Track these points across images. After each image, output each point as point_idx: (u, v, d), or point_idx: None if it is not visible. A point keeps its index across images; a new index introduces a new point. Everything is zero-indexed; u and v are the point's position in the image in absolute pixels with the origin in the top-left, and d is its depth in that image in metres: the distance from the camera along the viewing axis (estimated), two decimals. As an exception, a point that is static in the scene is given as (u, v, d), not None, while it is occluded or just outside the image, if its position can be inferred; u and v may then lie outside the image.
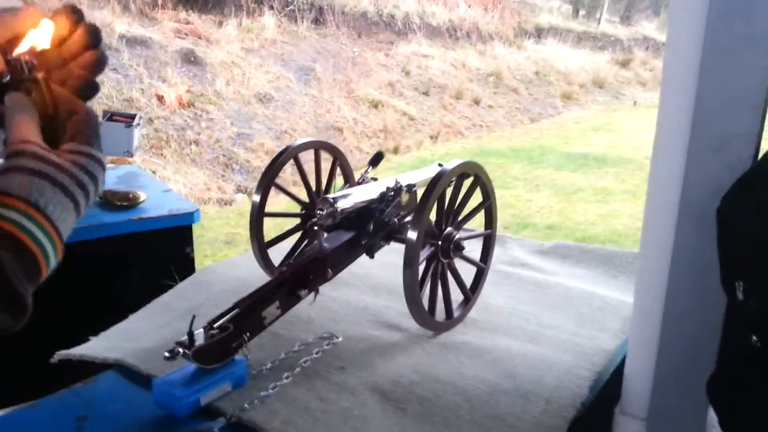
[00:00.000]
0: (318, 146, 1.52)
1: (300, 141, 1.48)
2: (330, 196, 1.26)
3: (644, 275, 1.12)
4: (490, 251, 1.43)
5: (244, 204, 6.67)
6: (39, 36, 0.52)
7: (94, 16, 8.22)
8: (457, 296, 1.38)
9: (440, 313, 1.32)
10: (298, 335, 1.28)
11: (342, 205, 1.26)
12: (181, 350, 1.02)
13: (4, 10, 0.52)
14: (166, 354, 1.01)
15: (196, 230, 2.39)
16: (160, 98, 7.85)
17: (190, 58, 8.81)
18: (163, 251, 2.18)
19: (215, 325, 1.06)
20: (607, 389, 1.31)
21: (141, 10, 9.30)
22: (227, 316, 1.08)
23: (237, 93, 8.80)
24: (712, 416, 1.12)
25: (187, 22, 9.73)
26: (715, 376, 1.00)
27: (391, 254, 1.42)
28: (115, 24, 8.35)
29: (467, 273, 1.41)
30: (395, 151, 9.32)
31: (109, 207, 2.17)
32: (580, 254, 1.74)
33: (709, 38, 0.97)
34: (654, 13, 24.18)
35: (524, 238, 1.89)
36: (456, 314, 1.35)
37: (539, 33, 16.64)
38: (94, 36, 0.55)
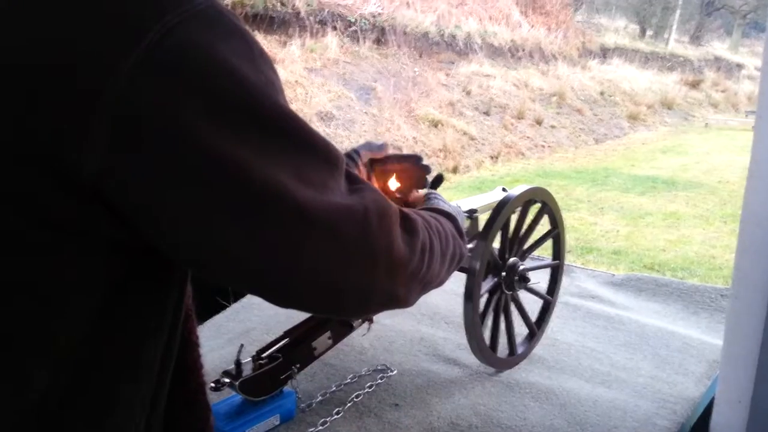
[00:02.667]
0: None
1: (358, 162, 1.42)
2: (387, 220, 1.19)
3: (736, 318, 1.00)
4: (557, 283, 1.33)
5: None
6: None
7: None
8: (520, 330, 1.28)
9: (502, 348, 1.23)
10: (350, 366, 1.21)
11: (400, 230, 1.19)
12: (227, 380, 0.97)
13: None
14: (212, 384, 0.96)
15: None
16: (225, 116, 8.04)
17: (254, 78, 8.99)
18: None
19: (264, 355, 1.01)
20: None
21: (209, 30, 9.59)
22: (277, 346, 1.02)
23: (299, 111, 8.90)
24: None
25: (253, 43, 9.96)
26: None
27: (450, 281, 1.34)
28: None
29: (532, 306, 1.31)
30: (454, 170, 9.22)
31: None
32: (656, 288, 1.61)
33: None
34: (726, 33, 23.32)
35: (593, 268, 1.78)
36: (520, 350, 1.25)
37: (604, 53, 16.27)
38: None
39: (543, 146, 11.36)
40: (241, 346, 0.98)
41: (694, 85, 16.75)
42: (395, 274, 0.57)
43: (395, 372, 1.19)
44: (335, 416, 1.05)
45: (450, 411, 1.07)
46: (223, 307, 1.75)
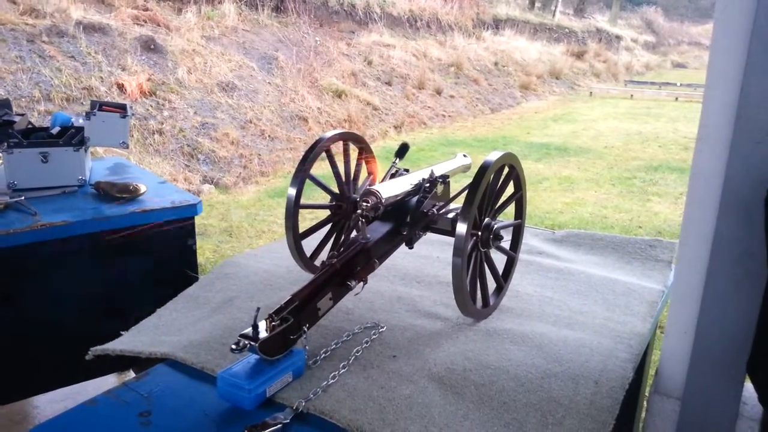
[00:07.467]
0: (347, 138, 1.52)
1: (330, 133, 1.48)
2: (374, 187, 1.27)
3: (684, 263, 1.17)
4: (519, 241, 1.47)
5: (211, 195, 6.56)
6: None
7: (49, 0, 7.92)
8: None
9: (477, 301, 1.35)
10: (341, 325, 1.29)
11: (385, 196, 1.27)
12: (247, 342, 1.02)
13: None
14: (233, 347, 1.01)
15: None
16: (121, 87, 7.62)
17: (150, 46, 8.57)
18: (166, 243, 2.14)
19: (277, 317, 1.06)
20: (639, 370, 1.37)
21: (97, -5, 8.99)
22: (288, 308, 1.08)
23: (199, 82, 8.61)
24: (745, 394, 1.19)
25: (146, 9, 9.45)
26: (755, 355, 1.06)
27: (417, 244, 1.44)
28: (70, 10, 8.05)
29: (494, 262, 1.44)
30: (361, 141, 9.31)
31: (108, 199, 2.12)
32: (592, 242, 1.80)
33: (756, 34, 1.02)
34: (606, 6, 24.75)
35: (536, 227, 1.94)
36: (492, 302, 1.38)
37: (497, 24, 16.85)
38: None
39: (444, 116, 11.68)
40: (258, 309, 1.03)
41: (579, 55, 17.78)
42: None
43: (385, 328, 1.28)
44: (342, 370, 1.13)
45: (443, 358, 1.18)
46: (192, 279, 1.76)
